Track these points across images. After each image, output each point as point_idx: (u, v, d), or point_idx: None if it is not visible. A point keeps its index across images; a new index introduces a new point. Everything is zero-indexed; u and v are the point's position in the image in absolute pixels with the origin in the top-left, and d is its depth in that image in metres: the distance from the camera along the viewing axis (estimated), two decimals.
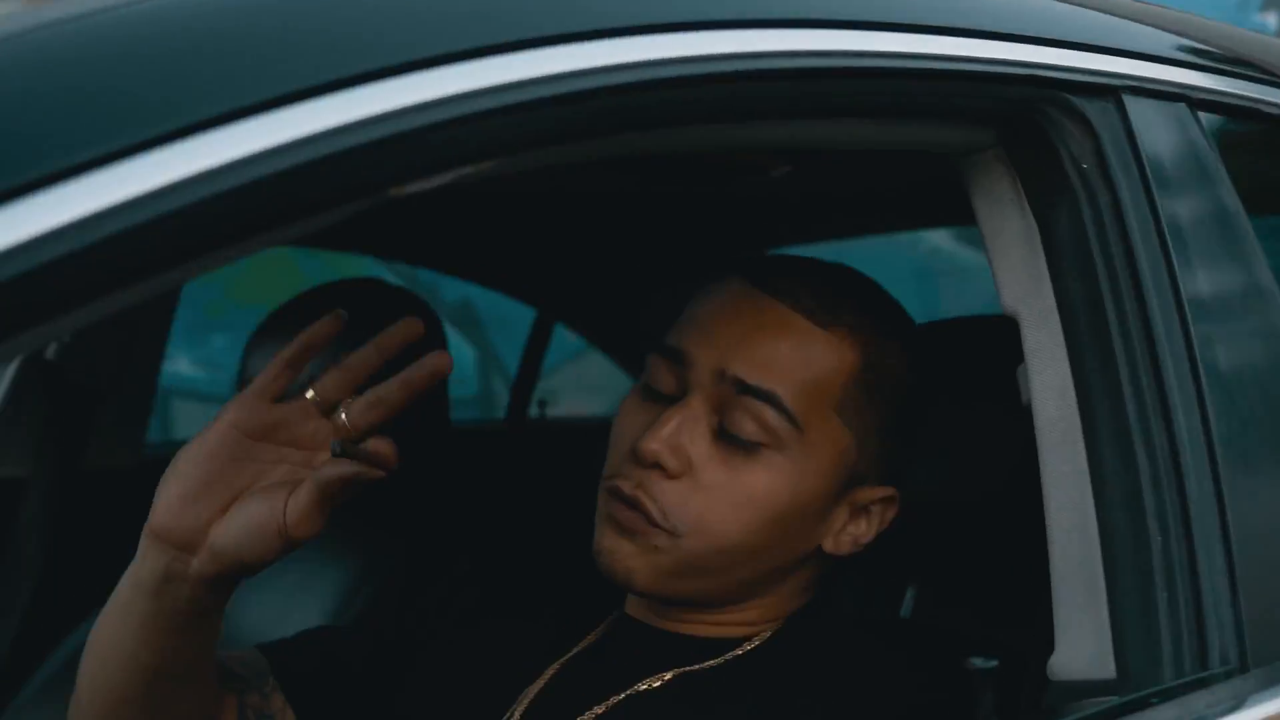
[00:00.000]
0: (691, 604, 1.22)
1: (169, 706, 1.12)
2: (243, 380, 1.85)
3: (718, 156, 1.61)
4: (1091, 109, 1.15)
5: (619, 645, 1.26)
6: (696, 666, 1.22)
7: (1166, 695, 1.09)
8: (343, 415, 1.03)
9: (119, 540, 2.11)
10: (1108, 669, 1.09)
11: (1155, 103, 1.22)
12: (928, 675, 1.19)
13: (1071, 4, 1.30)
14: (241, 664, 1.22)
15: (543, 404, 2.79)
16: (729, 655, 1.22)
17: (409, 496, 2.03)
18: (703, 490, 1.18)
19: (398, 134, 0.71)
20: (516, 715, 1.21)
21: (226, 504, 1.03)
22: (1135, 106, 1.19)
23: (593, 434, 1.36)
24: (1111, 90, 1.18)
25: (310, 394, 1.04)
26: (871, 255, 2.27)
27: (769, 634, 1.24)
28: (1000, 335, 1.18)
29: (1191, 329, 1.15)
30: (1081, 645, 1.10)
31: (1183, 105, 1.26)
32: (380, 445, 1.00)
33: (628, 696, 1.20)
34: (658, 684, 1.21)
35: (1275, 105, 1.41)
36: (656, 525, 1.17)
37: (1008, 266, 1.11)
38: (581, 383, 3.69)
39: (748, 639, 1.23)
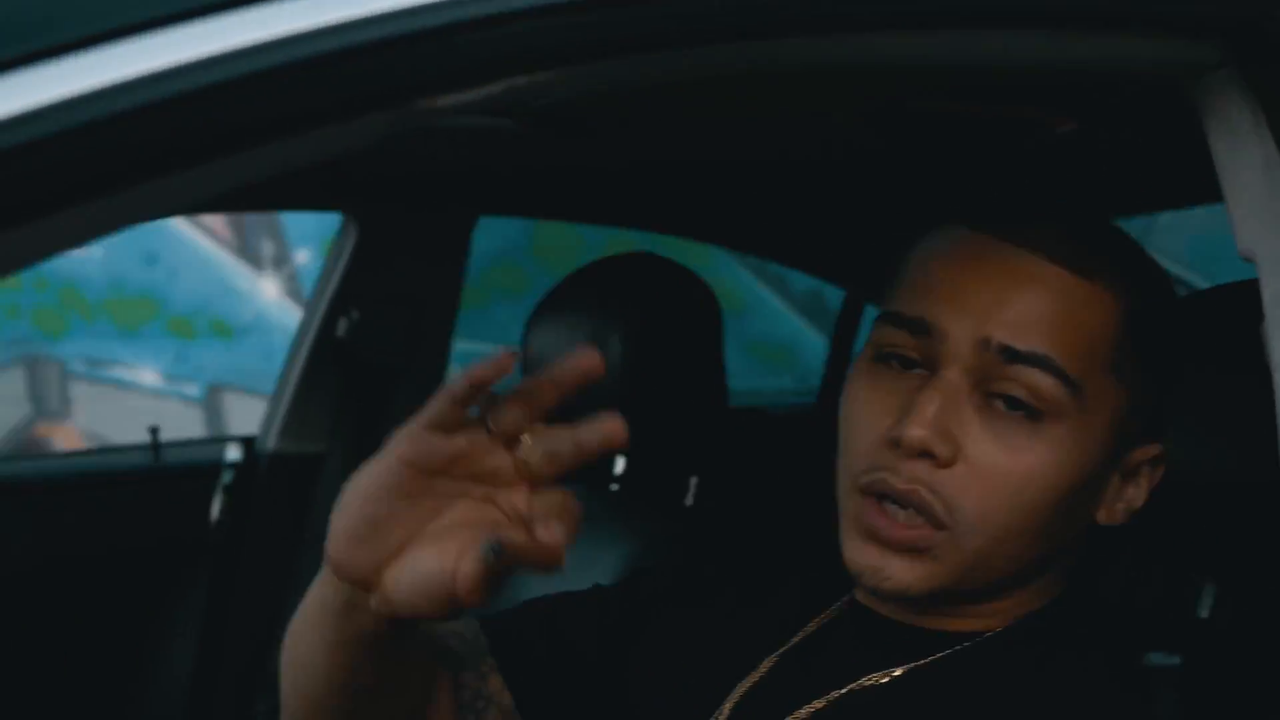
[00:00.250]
0: (952, 600, 1.10)
1: (375, 709, 1.05)
2: (526, 357, 1.83)
3: (998, 111, 1.48)
4: None
5: (844, 636, 1.15)
6: (927, 660, 1.10)
7: None
8: (526, 448, 0.90)
9: None
10: None
11: None
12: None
13: None
14: (460, 639, 1.16)
15: None
16: (960, 648, 1.10)
17: (693, 480, 1.98)
18: (980, 477, 1.05)
19: (418, 31, 0.63)
20: (731, 706, 1.12)
21: (401, 542, 0.91)
22: None
23: None
24: None
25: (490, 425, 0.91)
26: None
27: (1009, 625, 1.11)
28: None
29: None
30: None
31: None
32: (548, 535, 0.86)
33: (851, 691, 1.10)
34: (885, 679, 1.09)
35: None
36: (940, 525, 1.05)
37: (1244, 204, 0.95)
38: None
39: (987, 631, 1.11)
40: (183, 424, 4.33)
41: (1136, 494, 1.11)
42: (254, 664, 2.09)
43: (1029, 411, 1.05)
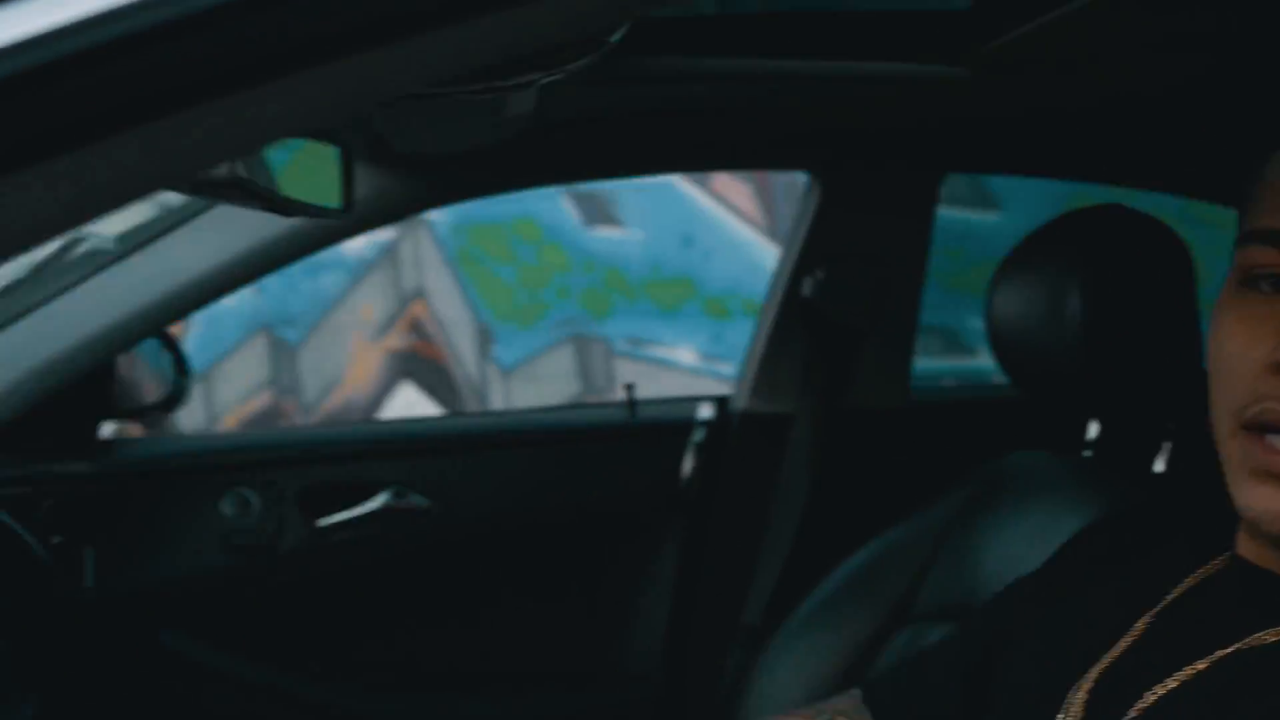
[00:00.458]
0: None
1: None
2: (987, 317, 1.77)
3: None
4: None
5: (1227, 593, 1.04)
6: None
7: None
8: None
9: (879, 481, 2.12)
10: None
11: None
12: None
13: None
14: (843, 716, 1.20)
15: None
16: None
17: (1165, 445, 1.85)
18: None
19: None
20: (1102, 669, 1.04)
21: None
22: None
23: None
24: None
25: None
26: None
27: None
28: None
29: None
30: None
31: None
32: None
33: (1238, 650, 0.99)
34: (1277, 639, 0.98)
35: None
36: None
37: None
38: None
39: None
40: None
41: None
42: (726, 618, 2.12)
43: None
